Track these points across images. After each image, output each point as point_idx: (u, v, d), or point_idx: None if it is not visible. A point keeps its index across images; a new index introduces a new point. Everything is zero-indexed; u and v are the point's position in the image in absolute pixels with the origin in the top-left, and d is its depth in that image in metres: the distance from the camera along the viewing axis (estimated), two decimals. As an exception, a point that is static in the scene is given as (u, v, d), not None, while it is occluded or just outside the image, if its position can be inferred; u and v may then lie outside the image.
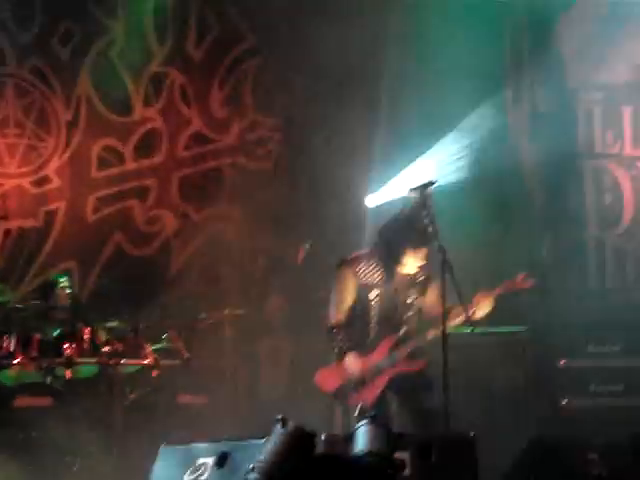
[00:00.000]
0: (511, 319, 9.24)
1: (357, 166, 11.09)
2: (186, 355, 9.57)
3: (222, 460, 5.39)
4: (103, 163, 11.08)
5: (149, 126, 11.25)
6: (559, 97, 11.25)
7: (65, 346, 8.95)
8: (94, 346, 9.15)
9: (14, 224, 10.33)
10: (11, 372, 8.90)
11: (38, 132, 10.78)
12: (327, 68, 11.17)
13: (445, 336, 6.87)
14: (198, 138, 11.46)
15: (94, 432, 8.73)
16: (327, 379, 7.44)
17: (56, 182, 10.86)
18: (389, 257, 7.42)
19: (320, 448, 5.50)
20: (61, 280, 9.77)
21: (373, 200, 10.98)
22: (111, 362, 8.97)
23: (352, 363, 7.25)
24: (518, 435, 8.12)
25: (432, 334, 7.27)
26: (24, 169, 10.72)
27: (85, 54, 10.89)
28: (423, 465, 5.56)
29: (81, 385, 8.98)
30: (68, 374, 8.96)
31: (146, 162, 11.27)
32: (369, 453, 5.14)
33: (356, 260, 7.50)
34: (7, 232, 9.98)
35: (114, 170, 11.14)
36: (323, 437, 5.73)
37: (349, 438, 5.44)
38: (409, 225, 7.31)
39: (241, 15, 11.46)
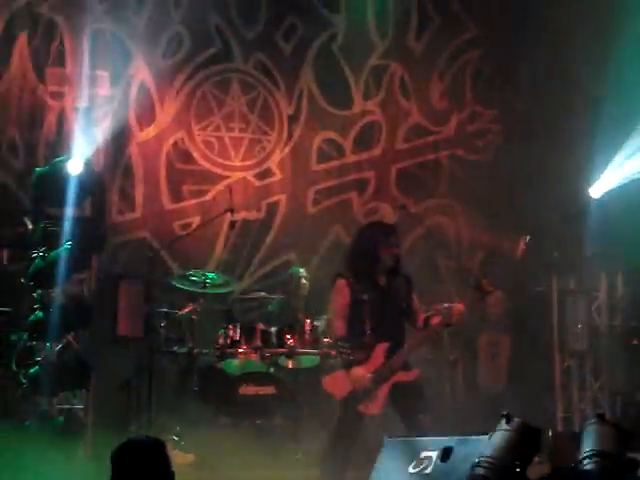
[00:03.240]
0: None
1: (580, 156, 10.80)
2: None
3: (446, 454, 5.35)
4: (323, 156, 11.23)
5: (369, 119, 11.33)
6: None
7: (287, 337, 9.14)
8: (315, 337, 9.27)
9: (238, 216, 10.55)
10: (236, 361, 9.14)
11: (261, 126, 11.03)
12: (549, 58, 10.96)
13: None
14: (417, 130, 11.45)
15: (316, 421, 8.86)
16: (336, 386, 7.52)
17: (278, 175, 11.08)
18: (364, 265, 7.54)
19: (545, 445, 5.38)
20: (301, 271, 9.98)
21: (597, 190, 10.67)
22: (333, 353, 9.07)
23: (357, 374, 7.31)
24: None
25: None
26: (248, 162, 10.99)
27: (308, 49, 11.08)
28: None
29: (303, 375, 9.13)
30: (290, 364, 9.14)
31: (365, 154, 11.35)
32: (599, 453, 4.99)
33: (346, 272, 7.59)
34: (232, 224, 10.21)
35: (334, 163, 11.27)
36: (549, 434, 5.60)
37: (576, 436, 5.31)
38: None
39: (463, 6, 11.39)
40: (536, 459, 5.20)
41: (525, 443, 5.02)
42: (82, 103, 10.25)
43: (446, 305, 8.05)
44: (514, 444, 4.99)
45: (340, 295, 7.60)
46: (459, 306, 7.64)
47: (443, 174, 11.48)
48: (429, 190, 11.41)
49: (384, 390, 7.38)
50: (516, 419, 5.10)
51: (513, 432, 5.03)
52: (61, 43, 10.31)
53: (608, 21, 10.71)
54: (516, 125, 11.42)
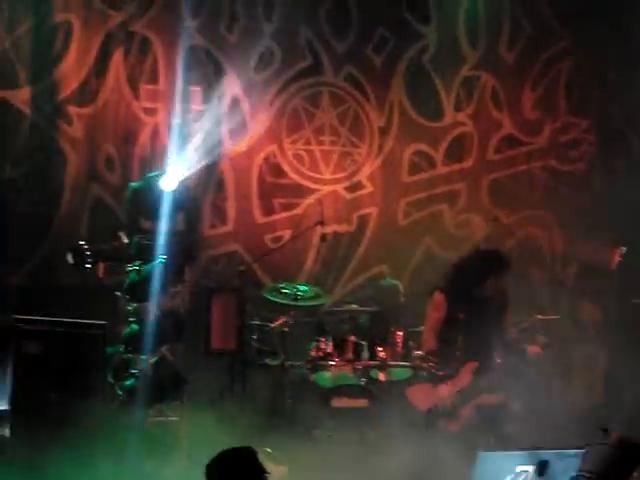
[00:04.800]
0: None
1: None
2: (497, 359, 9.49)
3: (542, 468, 5.29)
4: (414, 168, 11.20)
5: (460, 130, 11.27)
6: None
7: (379, 349, 9.12)
8: (407, 349, 9.24)
9: (329, 229, 10.60)
10: (328, 374, 9.15)
11: (352, 139, 11.05)
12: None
13: None
14: (509, 141, 11.38)
15: (408, 434, 8.81)
16: (420, 398, 7.67)
17: (369, 187, 11.08)
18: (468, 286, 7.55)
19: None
20: (394, 283, 10.00)
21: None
22: (425, 365, 9.01)
23: (443, 390, 7.39)
24: None
25: None
26: (338, 175, 11.02)
27: (398, 61, 11.08)
28: None
29: (395, 388, 9.09)
30: (382, 377, 9.12)
31: (456, 166, 11.30)
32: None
33: (446, 289, 7.64)
34: (323, 237, 10.23)
35: (425, 175, 11.24)
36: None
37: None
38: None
39: (555, 15, 11.27)
40: (635, 474, 5.11)
41: (624, 457, 4.93)
42: (175, 118, 10.39)
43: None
44: (613, 458, 4.90)
45: (436, 309, 7.61)
46: (534, 349, 7.63)
47: (536, 185, 11.38)
48: (521, 201, 11.31)
49: (468, 409, 7.35)
50: (615, 433, 5.01)
51: (612, 446, 4.95)
52: (155, 60, 10.48)
53: None
54: (611, 135, 11.27)
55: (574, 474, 4.90)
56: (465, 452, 6.72)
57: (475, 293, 7.61)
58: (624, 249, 10.01)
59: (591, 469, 4.85)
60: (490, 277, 7.63)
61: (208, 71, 10.58)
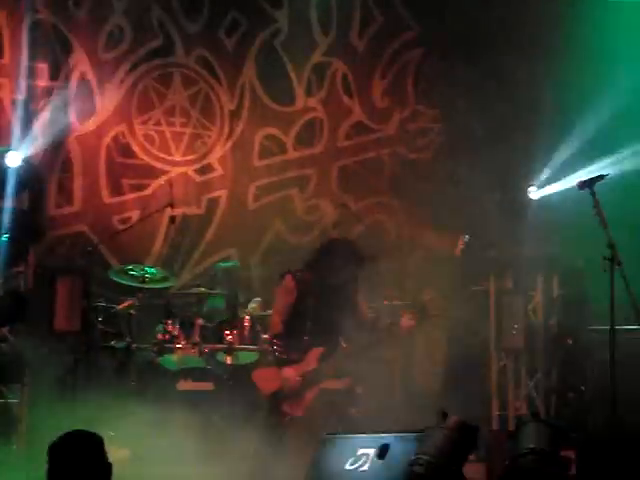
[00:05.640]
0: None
1: (520, 157, 10.93)
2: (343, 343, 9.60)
3: (383, 451, 5.38)
4: (265, 152, 11.22)
5: (310, 115, 11.34)
6: None
7: (226, 332, 9.12)
8: (254, 333, 9.27)
9: (178, 211, 10.51)
10: (174, 357, 9.09)
11: (203, 121, 10.99)
12: (491, 58, 11.05)
13: (613, 331, 6.75)
14: (359, 128, 11.49)
15: (254, 417, 8.84)
16: (265, 381, 7.67)
17: (219, 170, 11.04)
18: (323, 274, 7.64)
19: (482, 443, 5.44)
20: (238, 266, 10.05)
21: (537, 192, 10.79)
22: (271, 349, 9.06)
23: (287, 374, 7.41)
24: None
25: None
26: (189, 157, 10.94)
27: (250, 44, 11.07)
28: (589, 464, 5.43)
29: (242, 371, 9.10)
30: (228, 360, 9.12)
31: (306, 151, 11.36)
32: (533, 450, 5.06)
33: (297, 272, 7.69)
34: (172, 219, 10.13)
35: (275, 159, 11.27)
36: (485, 432, 5.66)
37: (511, 435, 5.38)
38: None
39: (405, 5, 11.44)
40: (471, 457, 5.26)
41: (461, 441, 5.07)
42: (20, 95, 10.14)
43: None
44: (451, 442, 5.04)
45: (286, 293, 7.62)
46: (408, 322, 7.70)
47: (384, 172, 11.53)
48: (370, 188, 11.45)
49: (311, 393, 7.42)
50: (453, 417, 5.14)
51: (450, 430, 5.08)
52: (-1, 34, 10.20)
53: (546, 22, 10.84)
54: (457, 124, 11.50)
55: (413, 457, 5.00)
56: (309, 436, 6.78)
57: (328, 281, 7.65)
58: (467, 237, 10.22)
59: (429, 452, 4.97)
60: (346, 268, 7.68)
61: (55, 47, 10.35)
